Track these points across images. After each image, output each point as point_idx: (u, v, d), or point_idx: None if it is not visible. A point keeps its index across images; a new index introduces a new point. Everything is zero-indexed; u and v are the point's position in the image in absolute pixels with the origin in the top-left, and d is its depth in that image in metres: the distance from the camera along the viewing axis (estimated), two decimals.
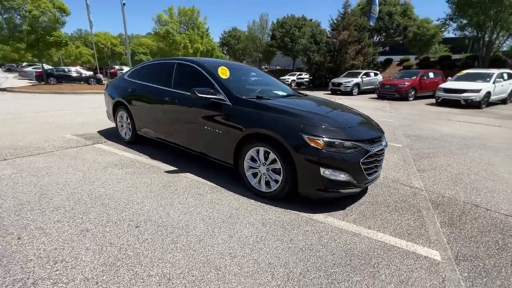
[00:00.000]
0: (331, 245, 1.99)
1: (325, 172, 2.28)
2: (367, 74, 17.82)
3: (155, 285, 1.54)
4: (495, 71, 11.90)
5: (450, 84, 11.97)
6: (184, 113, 3.28)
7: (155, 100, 3.63)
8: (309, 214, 2.41)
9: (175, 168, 3.39)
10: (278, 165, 2.48)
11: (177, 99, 3.30)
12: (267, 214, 2.39)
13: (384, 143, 2.70)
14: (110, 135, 4.90)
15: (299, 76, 26.92)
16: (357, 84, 16.86)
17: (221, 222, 2.24)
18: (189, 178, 3.12)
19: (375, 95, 15.53)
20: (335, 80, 17.44)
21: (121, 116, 4.37)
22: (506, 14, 15.78)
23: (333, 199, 2.62)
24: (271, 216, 2.35)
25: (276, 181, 2.54)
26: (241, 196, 2.71)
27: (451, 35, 26.69)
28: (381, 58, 31.76)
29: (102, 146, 4.23)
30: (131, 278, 1.58)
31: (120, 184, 2.87)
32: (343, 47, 20.10)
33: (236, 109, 2.75)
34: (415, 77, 14.30)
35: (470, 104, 10.91)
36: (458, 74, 12.86)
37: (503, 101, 12.48)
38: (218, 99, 2.87)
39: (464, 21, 18.15)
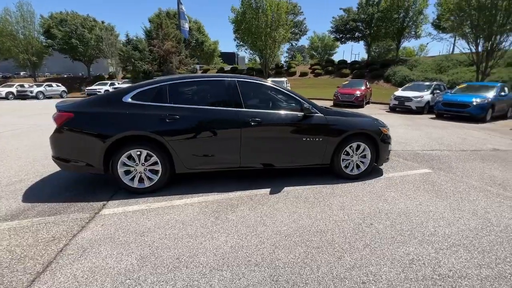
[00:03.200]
0: (421, 183, 3.62)
1: (389, 147, 3.83)
2: None
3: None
4: (284, 79, 18.55)
5: None
6: (275, 132, 3.29)
7: (227, 124, 3.10)
8: (384, 176, 3.85)
9: (267, 189, 3.28)
10: (366, 151, 3.64)
11: (263, 120, 3.19)
12: (381, 182, 3.53)
13: None
14: (80, 193, 2.96)
15: (116, 86, 23.53)
16: None
17: (416, 205, 3.09)
18: (299, 189, 3.31)
19: None
20: None
21: (132, 158, 2.95)
22: (269, 45, 24.15)
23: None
24: (387, 182, 3.53)
25: (364, 164, 3.70)
26: (349, 183, 3.53)
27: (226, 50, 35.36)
28: None
29: (129, 208, 2.72)
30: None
31: (277, 218, 2.59)
32: (168, 56, 20.60)
33: (331, 119, 3.46)
34: None
35: None
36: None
37: None
38: (314, 112, 3.37)
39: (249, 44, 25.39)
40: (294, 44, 41.11)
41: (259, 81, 3.50)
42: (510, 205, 2.97)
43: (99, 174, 2.99)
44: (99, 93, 23.24)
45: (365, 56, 42.35)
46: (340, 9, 34.07)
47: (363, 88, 15.79)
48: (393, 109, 13.53)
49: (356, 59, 44.71)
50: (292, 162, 3.50)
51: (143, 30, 21.38)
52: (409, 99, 12.78)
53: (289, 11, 25.29)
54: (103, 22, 33.07)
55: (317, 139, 3.42)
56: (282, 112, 3.37)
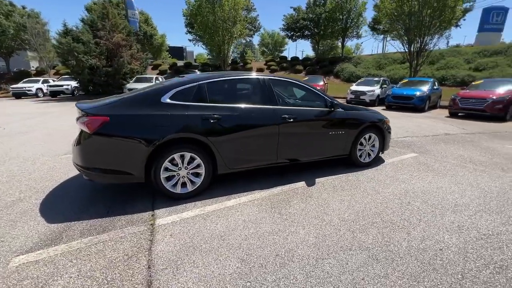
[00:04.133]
0: (417, 165, 4.26)
1: (390, 136, 4.39)
2: (156, 78, 18.62)
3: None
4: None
5: None
6: (309, 127, 3.48)
7: (268, 122, 3.13)
8: (386, 162, 4.40)
9: (302, 182, 3.46)
10: (375, 141, 4.12)
11: (297, 116, 3.32)
12: (388, 167, 4.04)
13: None
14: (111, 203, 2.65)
15: (52, 84, 20.24)
16: None
17: (435, 188, 3.58)
18: (329, 179, 3.57)
19: None
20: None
21: (175, 163, 2.76)
22: (226, 40, 23.91)
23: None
24: (393, 166, 4.05)
25: (373, 152, 4.17)
26: (365, 170, 3.94)
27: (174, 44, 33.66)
28: None
29: (183, 215, 2.57)
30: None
31: (332, 207, 2.81)
32: (117, 50, 18.61)
33: (350, 113, 3.80)
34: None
35: None
36: None
37: None
38: (338, 108, 3.66)
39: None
40: (248, 40, 41.40)
41: (289, 79, 3.62)
42: (488, 176, 3.78)
43: (138, 182, 2.73)
44: (30, 92, 19.69)
45: (310, 53, 45.27)
46: (291, 7, 35.87)
47: (321, 83, 17.07)
48: (349, 102, 14.95)
49: (303, 55, 47.65)
50: (320, 154, 3.74)
51: (83, 20, 18.63)
52: (363, 93, 14.35)
53: (243, 7, 25.30)
54: (24, 8, 27.77)
55: (341, 132, 3.73)
56: (312, 108, 3.57)
